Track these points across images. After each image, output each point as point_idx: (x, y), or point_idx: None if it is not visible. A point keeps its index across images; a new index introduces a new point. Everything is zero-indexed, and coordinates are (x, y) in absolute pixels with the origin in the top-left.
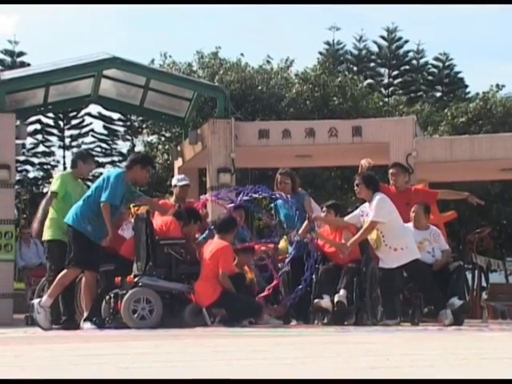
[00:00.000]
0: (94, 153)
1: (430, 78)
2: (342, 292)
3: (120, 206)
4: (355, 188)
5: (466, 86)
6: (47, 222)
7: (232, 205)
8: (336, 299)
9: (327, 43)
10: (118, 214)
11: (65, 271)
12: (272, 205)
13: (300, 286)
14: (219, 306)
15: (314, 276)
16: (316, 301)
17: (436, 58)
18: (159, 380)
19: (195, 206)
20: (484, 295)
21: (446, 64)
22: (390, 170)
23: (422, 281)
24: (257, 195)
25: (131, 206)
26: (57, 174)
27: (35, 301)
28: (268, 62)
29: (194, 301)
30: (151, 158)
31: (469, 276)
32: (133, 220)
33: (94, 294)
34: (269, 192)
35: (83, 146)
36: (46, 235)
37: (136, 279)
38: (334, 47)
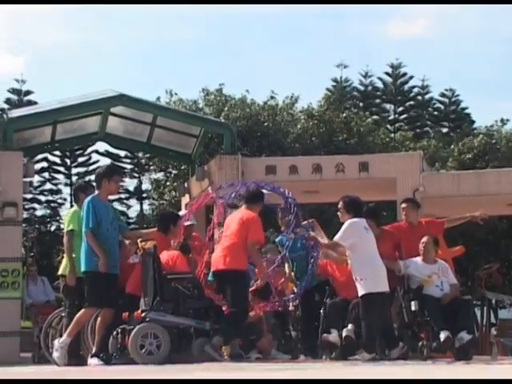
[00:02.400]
0: None
1: (435, 113)
2: (350, 326)
3: (110, 226)
4: (338, 213)
5: (473, 122)
6: (64, 259)
7: None
8: (344, 334)
9: (335, 80)
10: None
11: (82, 310)
12: (277, 239)
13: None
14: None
15: (321, 311)
16: (324, 335)
17: (442, 94)
18: (159, 380)
19: (196, 244)
20: (493, 331)
21: (452, 100)
22: (402, 205)
23: (363, 319)
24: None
25: (138, 241)
26: (67, 212)
27: (56, 340)
28: (272, 97)
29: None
30: (114, 167)
31: (477, 312)
32: (140, 255)
33: (106, 331)
34: (274, 188)
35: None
36: (61, 270)
37: (143, 314)
38: (342, 84)
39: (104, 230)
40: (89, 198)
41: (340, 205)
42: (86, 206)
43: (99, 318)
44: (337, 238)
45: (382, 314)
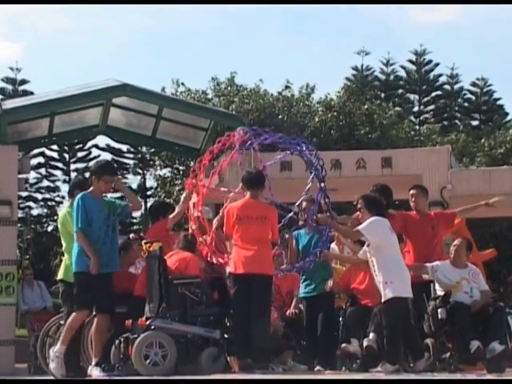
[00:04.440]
0: None
1: (465, 104)
2: (371, 336)
3: (103, 224)
4: (358, 214)
5: (506, 114)
6: (63, 262)
7: None
8: (365, 344)
9: (355, 68)
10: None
11: (73, 315)
12: (294, 233)
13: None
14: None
15: (340, 319)
16: (343, 345)
17: (473, 84)
18: (159, 380)
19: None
20: None
21: (484, 90)
22: (411, 192)
23: (386, 326)
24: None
25: (143, 242)
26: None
27: (51, 349)
28: (287, 87)
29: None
30: (106, 165)
31: (510, 321)
32: (145, 258)
33: (104, 339)
34: (292, 143)
35: None
36: (60, 274)
37: (148, 322)
38: (363, 73)
39: (95, 229)
40: (79, 194)
41: (360, 203)
42: (75, 204)
43: (93, 326)
44: (360, 227)
45: (407, 321)
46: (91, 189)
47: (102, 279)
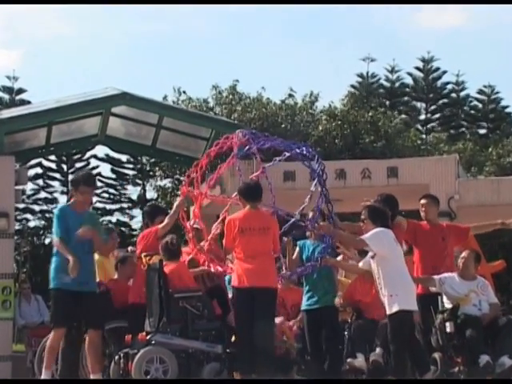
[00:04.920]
0: (101, 199)
1: (472, 112)
2: (378, 350)
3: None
4: (361, 224)
5: None
6: None
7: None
8: (371, 358)
9: (360, 75)
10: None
11: (50, 334)
12: (299, 243)
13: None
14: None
15: (346, 333)
16: (349, 360)
17: (480, 91)
18: (159, 380)
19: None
20: None
21: (492, 97)
22: (421, 201)
23: (392, 340)
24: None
25: (142, 255)
26: None
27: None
28: (290, 95)
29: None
30: (85, 176)
31: None
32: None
33: (99, 354)
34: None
35: None
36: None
37: (148, 337)
38: (368, 80)
39: (72, 243)
40: (58, 206)
41: (364, 214)
42: (54, 215)
43: (87, 342)
44: (365, 237)
45: (412, 335)
46: (71, 201)
47: (80, 297)
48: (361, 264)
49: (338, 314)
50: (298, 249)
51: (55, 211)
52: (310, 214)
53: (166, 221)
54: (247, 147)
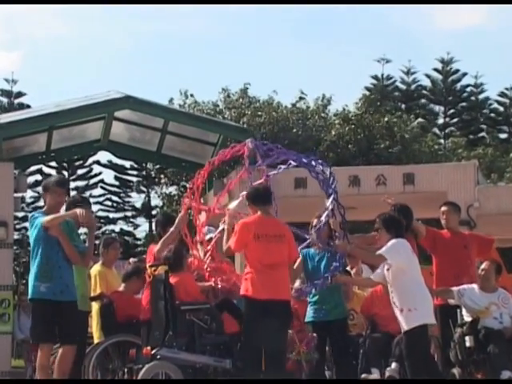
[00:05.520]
0: (104, 207)
1: (493, 116)
2: (393, 365)
3: (58, 247)
4: (375, 234)
5: None
6: None
7: None
8: (387, 374)
9: (375, 77)
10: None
11: (38, 352)
12: (302, 251)
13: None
14: None
15: (361, 348)
16: (363, 375)
17: (501, 94)
18: (159, 380)
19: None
20: None
21: None
22: (442, 209)
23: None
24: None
25: (148, 266)
26: None
27: None
28: (302, 98)
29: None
30: (52, 178)
31: None
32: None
33: (66, 373)
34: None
35: (91, 200)
36: None
37: (153, 351)
38: (383, 82)
39: (48, 248)
40: (31, 214)
41: (378, 223)
42: (29, 224)
43: (58, 357)
44: (383, 251)
45: (428, 349)
46: (44, 207)
47: (63, 308)
48: (373, 276)
49: (347, 327)
50: (300, 257)
51: (29, 220)
52: (314, 221)
53: (165, 236)
54: (258, 163)
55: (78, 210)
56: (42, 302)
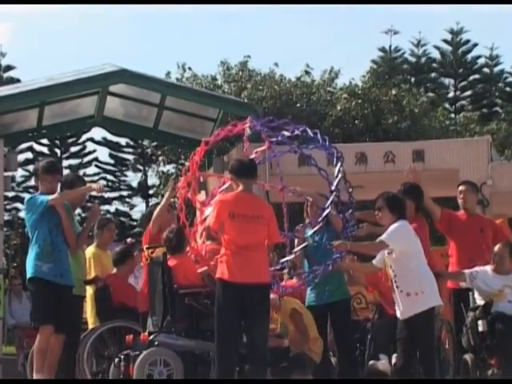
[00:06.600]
0: None
1: (507, 89)
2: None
3: (56, 229)
4: (376, 213)
5: None
6: None
7: None
8: (394, 360)
9: (382, 50)
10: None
11: (37, 336)
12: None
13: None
14: None
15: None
16: (371, 362)
17: None
18: (159, 380)
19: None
20: None
21: None
22: (460, 188)
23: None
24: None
25: (144, 248)
26: None
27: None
28: (307, 72)
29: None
30: (42, 165)
31: None
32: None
33: (44, 359)
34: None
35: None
36: None
37: (151, 337)
38: (391, 54)
39: (45, 232)
40: (27, 197)
41: (380, 203)
42: (25, 207)
43: (36, 342)
44: (384, 237)
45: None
46: (38, 192)
47: (61, 291)
48: (375, 261)
49: (350, 309)
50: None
51: (26, 201)
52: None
53: (156, 210)
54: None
55: (95, 185)
56: (43, 283)
